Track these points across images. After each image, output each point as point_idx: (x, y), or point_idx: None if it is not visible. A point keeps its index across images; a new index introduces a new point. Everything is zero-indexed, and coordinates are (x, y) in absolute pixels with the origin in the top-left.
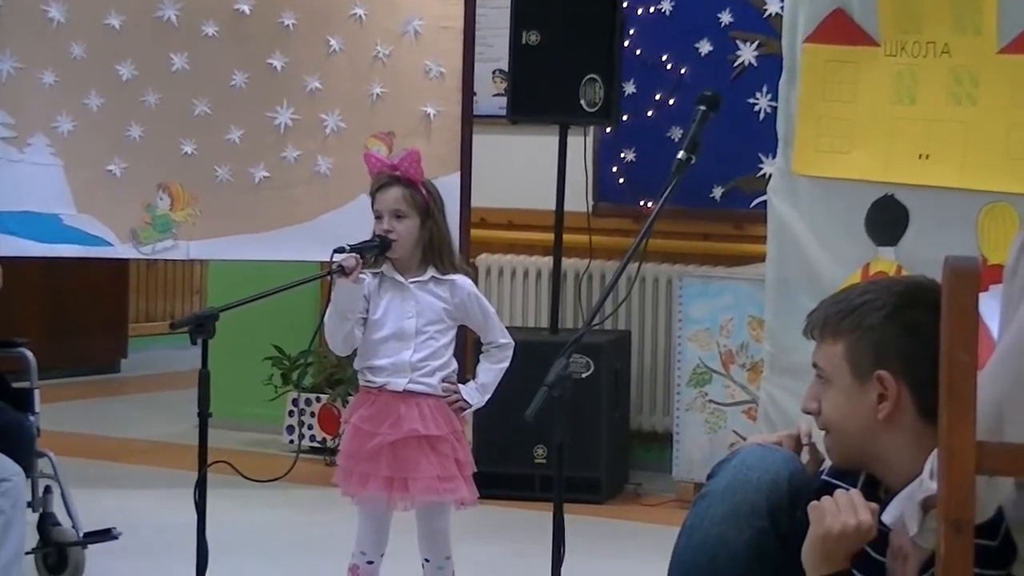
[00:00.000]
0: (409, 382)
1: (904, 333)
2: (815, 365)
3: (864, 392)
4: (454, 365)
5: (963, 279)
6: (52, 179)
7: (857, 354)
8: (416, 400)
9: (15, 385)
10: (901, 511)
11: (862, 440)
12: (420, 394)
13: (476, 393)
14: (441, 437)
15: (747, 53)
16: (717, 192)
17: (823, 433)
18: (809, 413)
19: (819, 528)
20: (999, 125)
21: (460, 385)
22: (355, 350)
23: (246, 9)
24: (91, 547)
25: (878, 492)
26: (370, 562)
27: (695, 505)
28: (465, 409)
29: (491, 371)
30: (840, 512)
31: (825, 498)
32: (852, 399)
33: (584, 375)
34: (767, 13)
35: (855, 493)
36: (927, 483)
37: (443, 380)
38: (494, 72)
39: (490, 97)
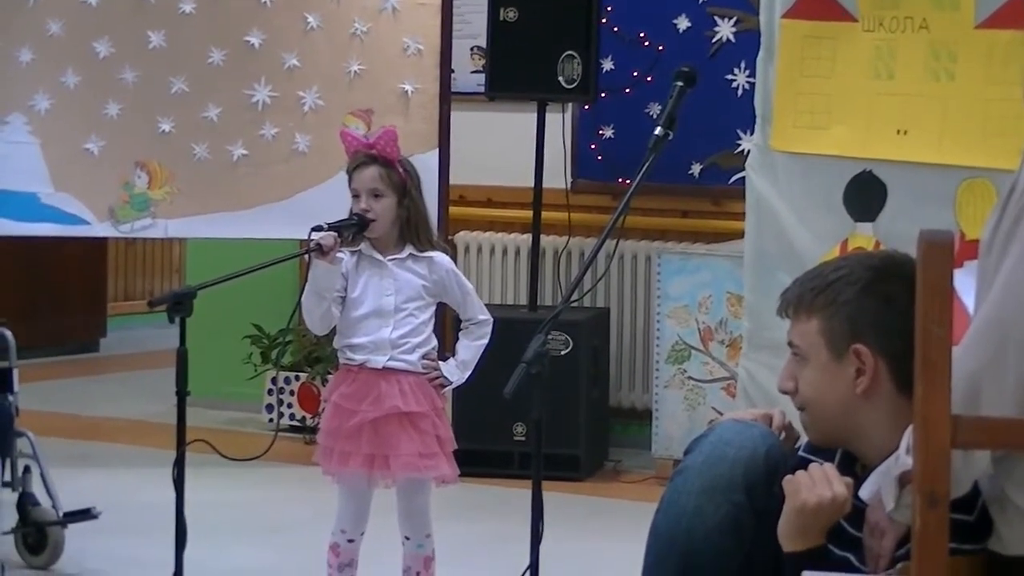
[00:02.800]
0: (389, 359)
1: (879, 306)
2: (791, 343)
3: (841, 368)
4: (434, 342)
5: (938, 252)
6: (29, 157)
7: (832, 329)
8: (397, 377)
9: None
10: (878, 486)
11: (840, 416)
12: (400, 371)
13: (456, 370)
14: (422, 414)
15: (725, 29)
16: (695, 169)
17: (799, 412)
18: (786, 392)
19: (794, 501)
20: (977, 100)
21: (440, 362)
22: (334, 328)
23: None
24: (71, 526)
25: (855, 468)
26: (350, 540)
27: (672, 480)
28: (445, 386)
29: (471, 348)
30: (815, 485)
31: (800, 472)
32: (829, 375)
33: (563, 352)
34: None
35: (829, 467)
36: (903, 458)
37: (423, 357)
38: (472, 49)
39: (468, 74)
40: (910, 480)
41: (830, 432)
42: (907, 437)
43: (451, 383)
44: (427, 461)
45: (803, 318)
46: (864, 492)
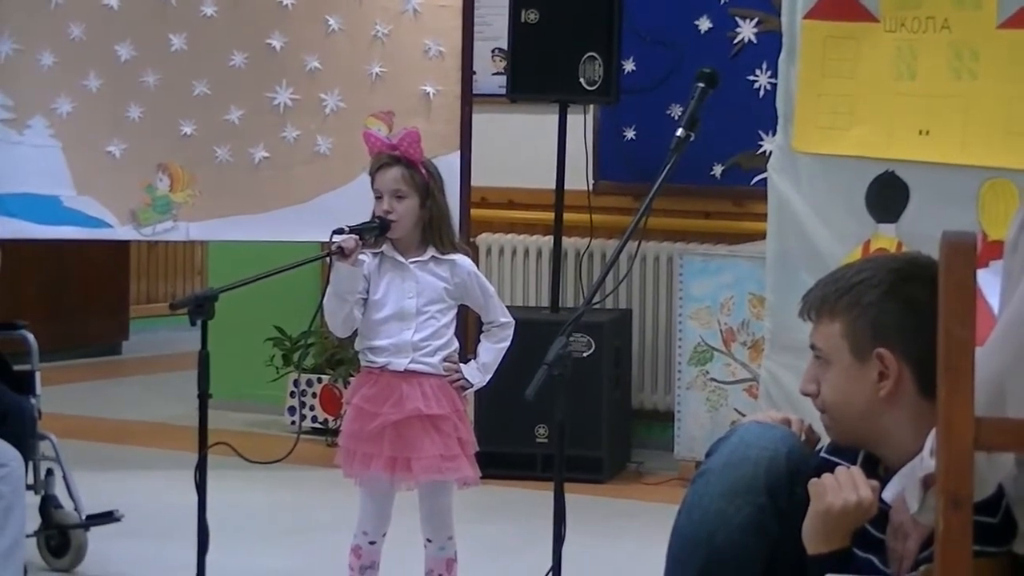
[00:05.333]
0: (411, 362)
1: (903, 309)
2: (813, 346)
3: (864, 371)
4: (455, 344)
5: (961, 253)
6: (52, 161)
7: (856, 332)
8: (418, 380)
9: (16, 368)
10: (901, 488)
11: (863, 419)
12: (422, 374)
13: (477, 372)
14: (444, 416)
15: (747, 30)
16: (717, 170)
17: (821, 414)
18: (807, 395)
19: (820, 505)
20: (999, 100)
21: (461, 364)
22: (355, 331)
23: None
24: (93, 529)
25: (877, 470)
26: (372, 542)
27: (694, 482)
28: (467, 388)
29: (492, 350)
30: (841, 489)
31: (826, 475)
32: (852, 378)
33: (585, 354)
34: None
35: (856, 470)
36: (927, 460)
37: (445, 359)
38: (493, 51)
39: (489, 76)
40: (934, 482)
41: (852, 434)
42: (931, 439)
43: (472, 385)
44: (449, 463)
45: (826, 321)
46: (887, 494)
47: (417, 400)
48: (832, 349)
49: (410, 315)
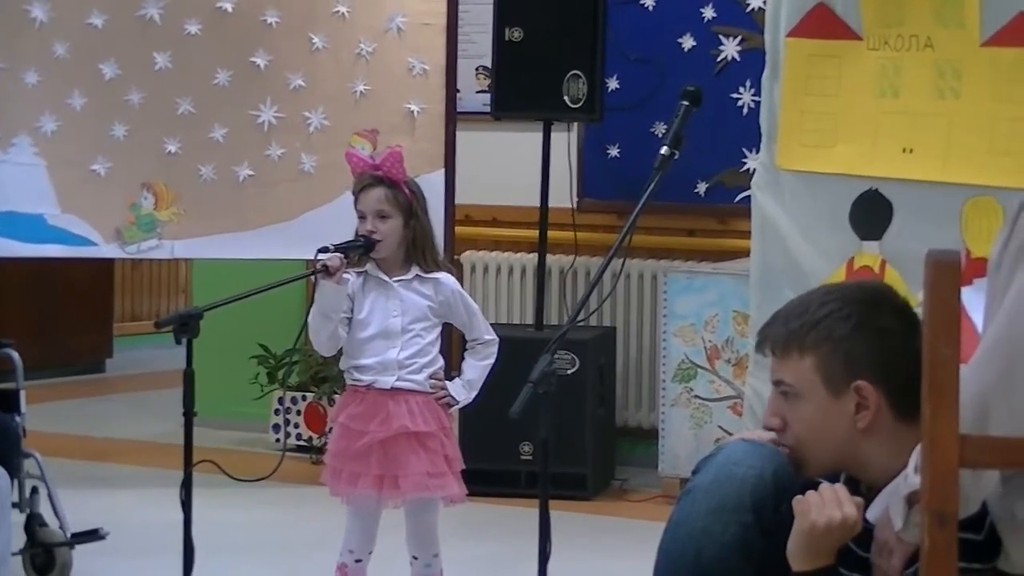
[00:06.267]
0: (397, 380)
1: (876, 340)
2: (778, 381)
3: (840, 404)
4: (440, 362)
5: (945, 272)
6: (36, 179)
7: (830, 367)
8: (404, 397)
9: (1, 386)
10: (886, 506)
11: (840, 450)
12: (408, 391)
13: (463, 390)
14: (430, 433)
15: (730, 48)
16: (701, 187)
17: (786, 450)
18: (771, 430)
19: (804, 522)
20: (983, 118)
21: (447, 382)
22: (340, 349)
23: (229, 7)
24: (78, 547)
25: (860, 487)
26: (358, 560)
27: (680, 500)
28: (452, 405)
29: (477, 368)
30: (825, 506)
31: (810, 492)
32: (827, 413)
33: (569, 371)
34: (750, 8)
35: (839, 487)
36: (912, 478)
37: (430, 377)
38: (477, 69)
39: (473, 94)
40: (919, 499)
41: (829, 466)
42: (915, 456)
43: (458, 402)
44: (436, 480)
45: (795, 356)
46: (871, 514)
47: (404, 418)
48: (804, 384)
49: (395, 333)
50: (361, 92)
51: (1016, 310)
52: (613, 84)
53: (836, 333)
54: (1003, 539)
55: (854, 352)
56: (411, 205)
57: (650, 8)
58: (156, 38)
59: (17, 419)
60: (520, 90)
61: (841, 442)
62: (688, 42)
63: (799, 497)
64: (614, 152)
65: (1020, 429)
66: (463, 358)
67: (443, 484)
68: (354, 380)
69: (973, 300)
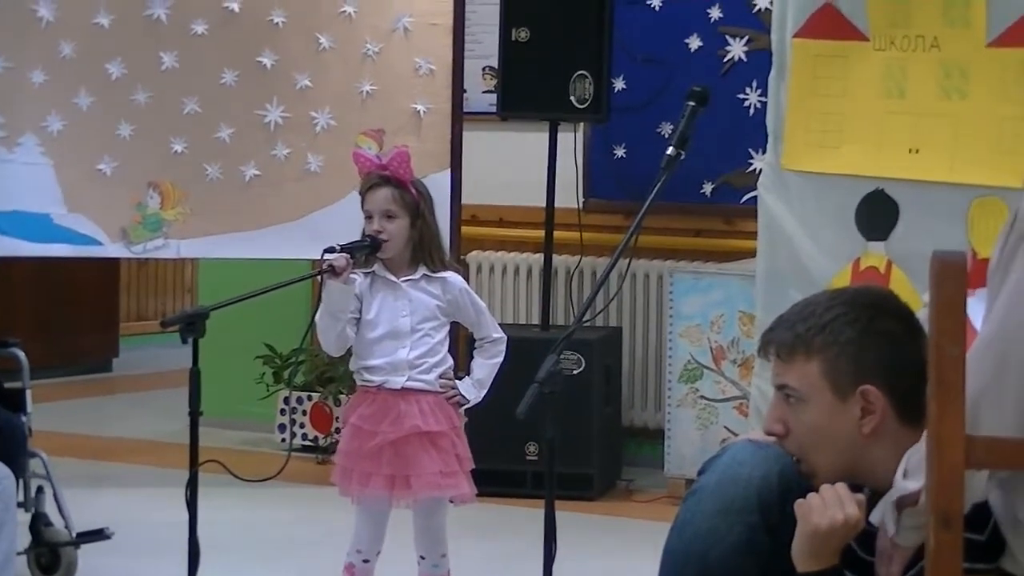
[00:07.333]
0: (408, 380)
1: (882, 344)
2: (782, 386)
3: (846, 408)
4: (450, 361)
5: (951, 272)
6: (42, 178)
7: (837, 371)
8: (415, 397)
9: (7, 385)
10: (883, 513)
11: (845, 455)
12: (419, 391)
13: (473, 389)
14: (442, 433)
15: (737, 48)
16: (707, 188)
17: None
18: (773, 435)
19: (807, 525)
20: (989, 119)
21: (456, 381)
22: (349, 350)
23: (235, 7)
24: (84, 547)
25: (863, 487)
26: (366, 560)
27: (686, 500)
28: (463, 405)
29: (486, 366)
30: (827, 507)
31: (811, 495)
32: (833, 417)
33: (575, 372)
34: (756, 8)
35: (841, 486)
36: (900, 483)
37: (440, 376)
38: (484, 69)
39: (480, 94)
40: (908, 503)
41: (835, 472)
42: (904, 461)
43: (468, 402)
44: (448, 480)
45: (800, 359)
46: (874, 517)
47: (415, 417)
48: (810, 388)
49: (405, 333)
50: (367, 92)
51: (1006, 312)
52: (619, 84)
53: (843, 337)
54: (1008, 540)
55: (861, 356)
56: (418, 205)
57: (657, 8)
58: (163, 38)
59: (23, 418)
60: (526, 90)
61: (845, 446)
62: (695, 42)
63: (800, 500)
64: (620, 152)
65: (1011, 428)
66: (472, 357)
67: (455, 484)
68: (364, 381)
69: (977, 309)
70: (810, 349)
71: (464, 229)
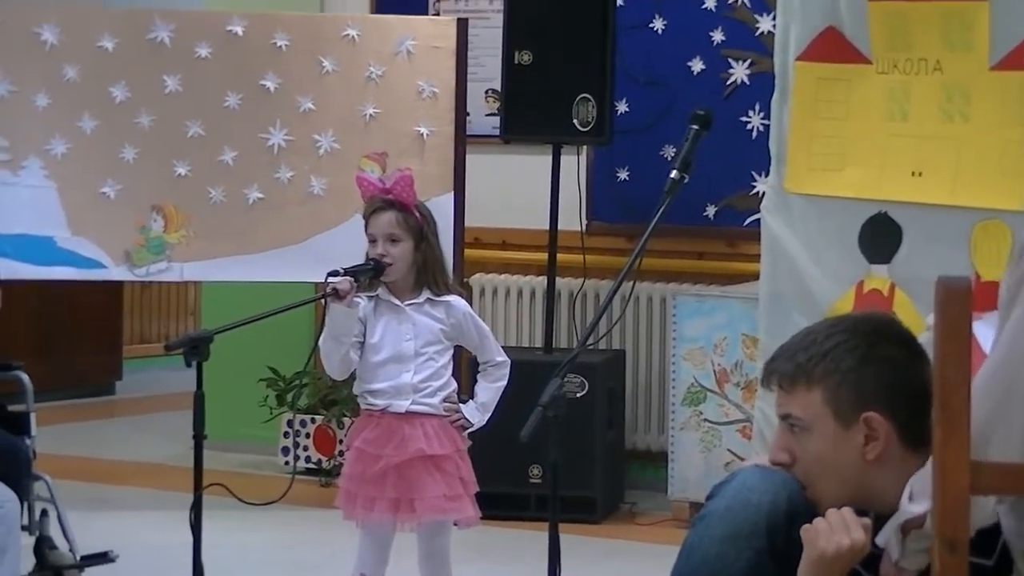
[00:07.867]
0: (412, 403)
1: (883, 370)
2: (786, 416)
3: (849, 436)
4: (454, 385)
5: (956, 298)
6: (46, 201)
7: (839, 399)
8: (419, 420)
9: (11, 408)
10: (888, 536)
11: (850, 482)
12: (423, 415)
13: (476, 412)
14: (446, 456)
15: (739, 71)
16: (710, 210)
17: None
18: (779, 464)
19: (813, 551)
20: (992, 142)
21: (460, 404)
22: (353, 374)
23: (239, 30)
24: (88, 570)
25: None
26: None
27: (695, 525)
28: (467, 428)
29: (490, 390)
30: (833, 532)
31: (817, 519)
32: (837, 445)
33: (579, 395)
34: (759, 31)
35: (847, 511)
36: (905, 507)
37: (444, 400)
38: (487, 92)
39: (483, 117)
40: (913, 527)
41: (841, 499)
42: (910, 485)
43: (472, 425)
44: (452, 503)
45: (802, 389)
46: (880, 539)
47: (419, 441)
48: (813, 417)
49: (408, 357)
50: (371, 115)
51: (1013, 340)
52: (622, 107)
53: (844, 364)
54: (1018, 566)
55: (863, 383)
56: (422, 229)
57: (659, 31)
58: (166, 61)
59: (27, 441)
60: (529, 113)
61: (851, 474)
62: (697, 65)
63: (807, 526)
64: (623, 175)
65: (1018, 454)
66: (475, 380)
67: (459, 507)
68: (368, 404)
69: (985, 333)
70: (811, 378)
71: (467, 252)
